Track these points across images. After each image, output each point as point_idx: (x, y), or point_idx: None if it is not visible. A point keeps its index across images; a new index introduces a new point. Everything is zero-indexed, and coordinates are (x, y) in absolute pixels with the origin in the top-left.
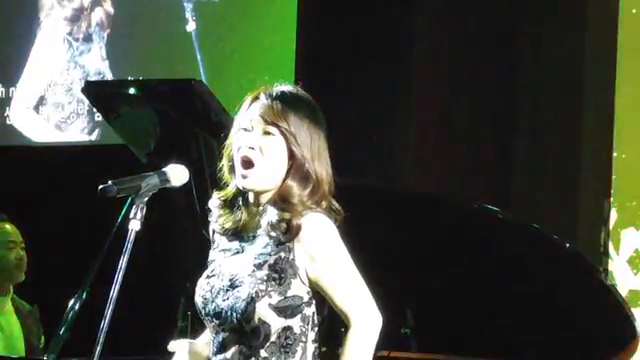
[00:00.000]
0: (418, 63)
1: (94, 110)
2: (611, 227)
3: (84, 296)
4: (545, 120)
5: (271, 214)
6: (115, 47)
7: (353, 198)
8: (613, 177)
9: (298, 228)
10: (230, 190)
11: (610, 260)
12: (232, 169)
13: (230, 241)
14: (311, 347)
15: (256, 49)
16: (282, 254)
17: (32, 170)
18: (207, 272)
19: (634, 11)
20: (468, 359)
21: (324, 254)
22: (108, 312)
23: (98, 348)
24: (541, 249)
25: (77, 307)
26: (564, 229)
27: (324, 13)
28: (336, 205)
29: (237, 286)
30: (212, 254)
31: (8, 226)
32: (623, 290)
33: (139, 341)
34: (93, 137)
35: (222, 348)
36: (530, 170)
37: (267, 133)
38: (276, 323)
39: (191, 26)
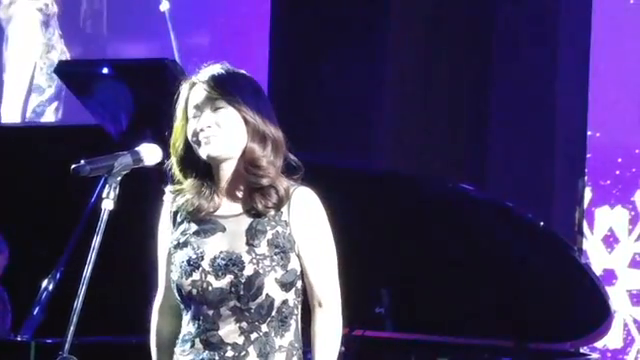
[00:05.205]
0: (393, 39)
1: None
2: (585, 206)
3: (58, 277)
4: (520, 100)
5: (252, 183)
6: (87, 27)
7: (326, 178)
8: (587, 156)
9: (286, 197)
10: (189, 181)
11: (585, 239)
12: (182, 162)
13: (202, 223)
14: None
15: (230, 27)
16: (279, 228)
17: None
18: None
19: None
20: (443, 338)
21: (316, 233)
22: (81, 292)
23: (71, 328)
24: (515, 228)
25: (51, 288)
26: (539, 208)
27: None
28: (295, 160)
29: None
30: (181, 238)
31: None
32: (597, 269)
33: (114, 321)
34: (60, 116)
35: None
36: (505, 150)
37: (217, 109)
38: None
39: (164, 5)
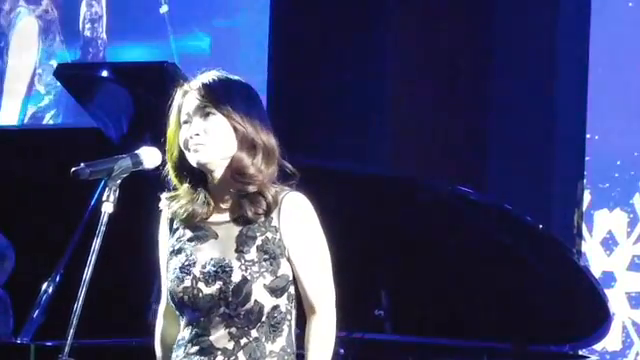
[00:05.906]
0: (390, 40)
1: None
2: (584, 209)
3: (58, 279)
4: (518, 102)
5: (239, 190)
6: (87, 30)
7: (326, 181)
8: (586, 159)
9: (275, 203)
10: (184, 186)
11: (584, 242)
12: (177, 169)
13: (196, 230)
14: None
15: (229, 29)
16: (269, 233)
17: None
18: (182, 261)
19: None
20: (442, 341)
21: (306, 238)
22: (81, 295)
23: (71, 331)
24: (515, 231)
25: (51, 290)
26: (538, 211)
27: None
28: (290, 167)
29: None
30: (176, 244)
31: None
32: (596, 271)
33: (114, 324)
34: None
35: None
36: (504, 152)
37: (207, 115)
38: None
39: (164, 8)
